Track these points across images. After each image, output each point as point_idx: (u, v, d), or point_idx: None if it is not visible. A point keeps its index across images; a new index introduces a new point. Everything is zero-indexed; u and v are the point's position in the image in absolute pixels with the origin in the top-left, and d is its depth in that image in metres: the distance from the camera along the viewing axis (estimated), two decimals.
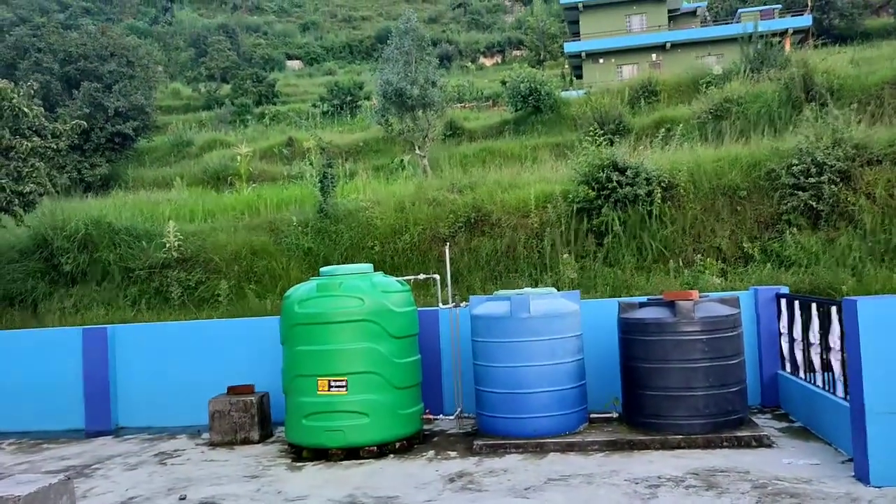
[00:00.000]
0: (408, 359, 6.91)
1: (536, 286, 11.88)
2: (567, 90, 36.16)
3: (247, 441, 7.48)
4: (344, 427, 6.58)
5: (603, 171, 12.49)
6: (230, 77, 49.93)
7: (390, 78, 22.13)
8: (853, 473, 5.19)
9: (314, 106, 41.89)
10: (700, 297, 6.50)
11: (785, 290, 7.61)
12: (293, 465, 6.56)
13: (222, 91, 49.07)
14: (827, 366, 6.27)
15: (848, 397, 5.41)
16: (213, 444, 7.50)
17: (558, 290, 7.21)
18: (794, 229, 11.08)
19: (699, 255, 11.53)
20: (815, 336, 6.45)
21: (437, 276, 7.82)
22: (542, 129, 26.86)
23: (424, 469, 6.15)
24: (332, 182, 15.28)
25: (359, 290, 6.75)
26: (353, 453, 6.63)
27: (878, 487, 4.88)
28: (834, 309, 6.03)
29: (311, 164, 22.13)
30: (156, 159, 29.85)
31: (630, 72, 44.93)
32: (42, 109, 12.94)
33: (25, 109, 11.40)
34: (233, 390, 7.78)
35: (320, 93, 45.58)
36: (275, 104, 45.85)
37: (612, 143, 14.71)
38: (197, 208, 17.27)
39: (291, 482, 6.06)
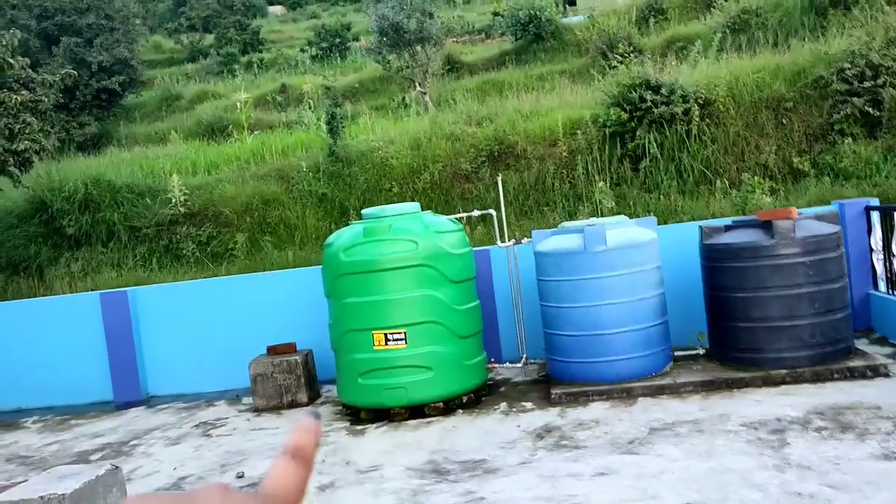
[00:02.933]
0: (468, 304, 6.25)
1: (572, 218, 11.19)
2: (566, 17, 34.84)
3: (295, 404, 6.87)
4: (406, 384, 5.95)
5: (635, 90, 11.63)
6: (212, 27, 48.33)
7: (385, 12, 21.09)
8: None
9: (302, 51, 40.59)
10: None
11: (875, 201, 6.92)
12: (354, 429, 5.95)
13: (206, 41, 47.53)
14: None
15: None
16: (257, 410, 6.89)
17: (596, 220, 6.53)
18: (849, 139, 10.33)
19: (746, 174, 10.80)
20: None
21: (493, 212, 7.11)
22: (546, 58, 25.80)
23: (503, 424, 5.55)
24: (340, 123, 14.41)
25: (410, 233, 6.04)
26: (417, 412, 6.02)
27: None
28: None
29: (310, 108, 21.15)
30: (146, 115, 28.81)
31: None
32: (28, 60, 11.98)
33: (11, 61, 10.48)
34: (274, 350, 7.14)
35: (307, 37, 44.21)
36: (261, 52, 44.46)
37: (618, 66, 13.82)
38: (198, 161, 16.41)
39: (357, 449, 5.46)
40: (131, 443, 6.34)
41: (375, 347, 5.98)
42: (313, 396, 7.04)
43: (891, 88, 10.07)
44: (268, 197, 13.93)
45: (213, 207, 13.91)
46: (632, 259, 5.86)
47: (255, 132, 19.49)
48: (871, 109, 10.18)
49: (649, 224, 6.20)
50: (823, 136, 10.82)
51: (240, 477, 5.16)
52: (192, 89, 31.86)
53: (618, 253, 5.82)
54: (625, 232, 5.95)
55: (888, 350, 6.15)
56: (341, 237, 6.30)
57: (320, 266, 6.62)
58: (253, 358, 7.11)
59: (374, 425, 5.97)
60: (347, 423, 6.12)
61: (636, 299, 5.88)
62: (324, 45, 40.01)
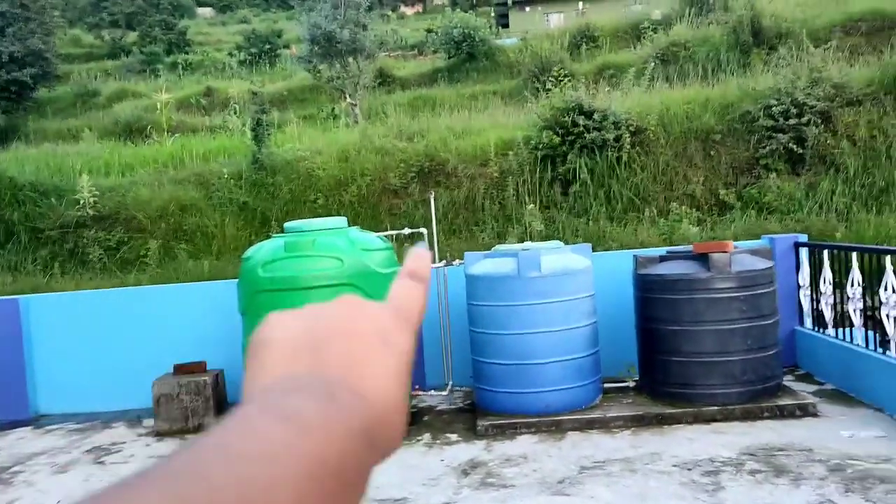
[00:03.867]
0: None
1: (502, 239, 11.02)
2: (499, 38, 35.10)
3: (201, 429, 6.33)
4: None
5: (567, 114, 11.58)
6: (136, 24, 46.76)
7: (318, 21, 20.69)
8: None
9: (231, 55, 39.63)
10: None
11: (803, 237, 6.95)
12: None
13: (128, 39, 45.92)
14: (866, 322, 5.63)
15: None
16: (159, 435, 6.35)
17: (520, 243, 6.32)
18: (774, 174, 10.50)
19: (673, 203, 10.86)
20: (854, 289, 5.78)
21: (424, 231, 6.80)
22: (479, 77, 25.83)
23: (426, 458, 5.22)
24: (266, 130, 13.90)
25: (336, 249, 5.67)
26: None
27: None
28: (889, 259, 5.35)
29: (235, 113, 20.48)
30: (59, 110, 27.40)
31: (557, 20, 44.20)
32: None
33: None
34: (181, 369, 6.62)
35: (236, 41, 43.25)
36: (187, 53, 43.21)
37: (552, 89, 13.83)
38: (112, 161, 15.57)
39: None
40: (12, 469, 5.71)
41: None
42: None
43: (814, 127, 10.30)
44: (185, 203, 13.27)
45: (126, 211, 13.16)
46: (566, 287, 5.65)
47: (176, 135, 18.70)
48: (794, 146, 10.38)
49: (584, 251, 6.01)
50: (749, 169, 10.99)
51: None
52: (110, 87, 30.59)
53: (552, 280, 5.60)
54: (560, 258, 5.74)
55: (813, 388, 6.13)
56: (261, 251, 5.88)
57: (236, 280, 6.18)
58: (157, 377, 6.58)
59: None
60: None
61: (569, 328, 5.66)
62: (253, 50, 39.23)
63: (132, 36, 45.81)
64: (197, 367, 6.63)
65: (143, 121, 21.83)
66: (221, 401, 6.56)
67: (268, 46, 39.05)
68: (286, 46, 39.33)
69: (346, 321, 0.46)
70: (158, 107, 20.19)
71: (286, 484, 0.34)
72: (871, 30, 16.78)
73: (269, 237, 6.43)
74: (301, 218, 11.53)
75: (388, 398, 0.44)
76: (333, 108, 22.69)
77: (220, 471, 0.33)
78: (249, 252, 6.01)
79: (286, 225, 6.16)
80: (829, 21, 17.83)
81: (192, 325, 7.22)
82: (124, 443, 6.24)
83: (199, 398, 6.37)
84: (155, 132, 19.28)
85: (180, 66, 37.36)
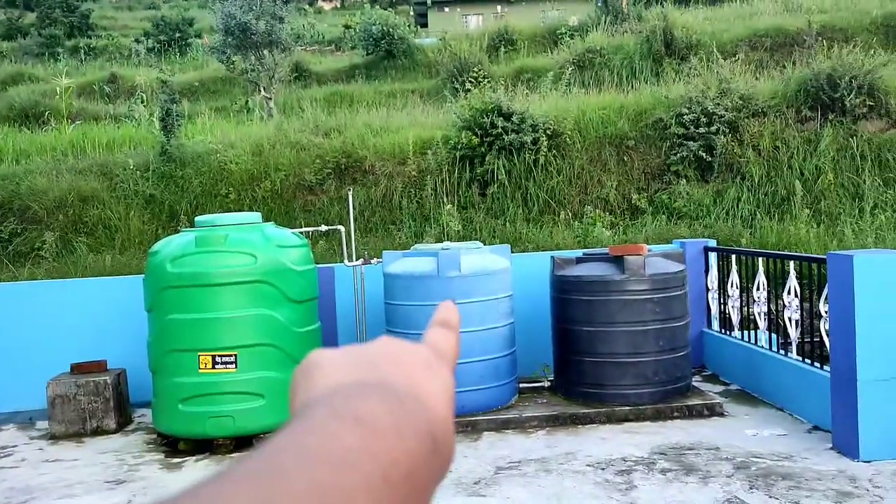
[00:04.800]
0: (309, 327, 5.76)
1: (419, 238, 10.96)
2: (418, 37, 35.05)
3: (100, 431, 6.03)
4: (233, 412, 5.35)
5: (486, 116, 11.63)
6: (35, 4, 44.41)
7: (233, 11, 20.12)
8: (831, 445, 4.75)
9: (138, 41, 38.13)
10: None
11: (712, 242, 7.18)
12: (169, 463, 5.27)
13: (26, 20, 43.61)
14: (773, 325, 5.85)
15: (826, 364, 4.94)
16: (54, 438, 5.99)
17: (439, 243, 6.31)
18: (684, 181, 10.84)
19: (588, 207, 11.06)
20: (759, 293, 5.99)
21: (342, 228, 6.66)
22: (397, 75, 25.71)
23: None
24: (176, 121, 13.38)
25: (249, 245, 5.48)
26: (244, 443, 5.44)
27: (869, 462, 4.44)
28: (792, 264, 5.57)
29: (142, 102, 19.69)
30: None
31: (476, 22, 44.54)
32: None
33: None
34: (79, 368, 6.25)
35: (144, 27, 41.70)
36: (90, 37, 41.33)
37: (471, 90, 13.91)
38: (6, 148, 14.69)
39: (172, 487, 4.78)
40: None
41: (201, 370, 5.34)
42: (124, 422, 6.23)
43: (722, 136, 10.69)
44: (86, 194, 12.62)
45: (20, 201, 12.42)
46: (485, 287, 5.64)
47: (77, 122, 17.81)
48: (704, 154, 10.74)
49: (503, 252, 6.01)
50: (661, 175, 11.30)
51: None
52: (6, 70, 28.91)
53: (472, 280, 5.58)
54: (479, 258, 5.73)
55: (720, 388, 6.33)
56: (169, 245, 5.61)
57: (142, 276, 5.89)
58: (53, 376, 6.20)
59: (195, 458, 5.32)
60: (162, 456, 5.42)
61: (487, 328, 5.65)
62: (162, 37, 37.90)
63: (31, 17, 43.54)
64: (96, 367, 6.28)
65: (41, 106, 20.72)
66: (122, 402, 6.23)
67: (178, 34, 37.79)
68: (198, 35, 38.17)
69: (390, 351, 0.48)
70: (58, 92, 19.18)
71: (363, 488, 0.35)
72: (775, 45, 17.59)
73: (177, 232, 6.16)
74: (212, 213, 11.15)
75: (445, 409, 0.46)
76: (247, 101, 22.13)
77: (300, 475, 0.34)
78: (157, 246, 5.74)
79: (197, 219, 5.92)
80: (736, 35, 18.58)
81: (91, 323, 6.85)
82: (15, 446, 5.85)
83: (99, 399, 6.04)
84: (54, 119, 18.32)
85: (82, 51, 35.71)
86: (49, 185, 12.62)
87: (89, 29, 43.49)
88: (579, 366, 5.78)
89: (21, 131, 17.73)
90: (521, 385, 6.14)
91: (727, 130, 10.73)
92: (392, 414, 0.39)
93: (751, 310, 6.17)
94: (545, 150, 11.48)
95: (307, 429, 0.37)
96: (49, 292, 7.20)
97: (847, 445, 4.57)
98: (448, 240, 10.46)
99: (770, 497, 4.08)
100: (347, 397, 0.40)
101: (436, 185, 11.67)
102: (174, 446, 5.51)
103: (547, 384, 6.24)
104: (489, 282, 5.67)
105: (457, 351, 0.53)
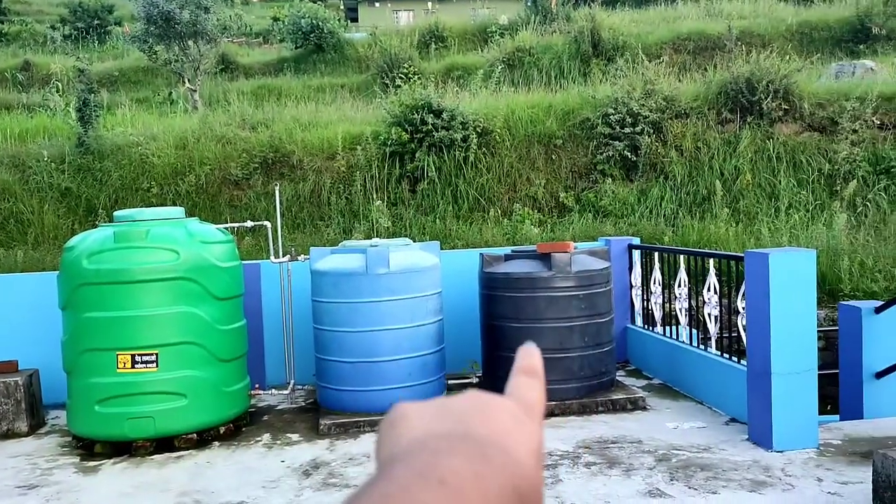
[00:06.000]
0: (234, 324, 5.63)
1: (347, 234, 10.87)
2: (348, 31, 34.73)
3: (11, 434, 5.77)
4: (153, 412, 5.19)
5: (417, 112, 11.61)
6: None
7: None
8: (747, 437, 4.92)
9: (53, 27, 36.59)
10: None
11: (636, 240, 7.34)
12: (85, 466, 5.07)
13: None
14: (694, 321, 6.02)
15: (744, 359, 5.11)
16: None
17: (368, 240, 6.28)
18: (610, 179, 11.07)
19: (517, 205, 11.17)
20: (680, 289, 6.16)
21: (269, 224, 6.52)
22: (326, 69, 25.40)
23: (265, 459, 5.01)
24: (94, 111, 12.90)
25: (172, 241, 5.32)
26: (165, 444, 5.28)
27: (781, 452, 4.62)
28: (712, 262, 5.74)
29: (58, 91, 18.92)
30: None
31: (406, 18, 44.40)
32: None
33: None
34: None
35: (60, 13, 40.02)
36: (2, 22, 39.44)
37: (402, 86, 13.88)
38: None
39: (88, 491, 4.62)
40: None
41: (119, 370, 5.16)
42: (36, 425, 5.97)
43: (647, 136, 10.95)
44: None
45: None
46: (414, 284, 5.62)
47: None
48: (629, 154, 10.99)
49: (432, 249, 6.01)
50: (587, 174, 11.51)
51: None
52: None
53: (400, 277, 5.55)
54: (409, 255, 5.70)
55: (643, 382, 6.48)
56: (86, 240, 5.40)
57: (56, 272, 5.65)
58: None
59: (112, 461, 5.13)
60: (78, 459, 5.22)
61: (415, 325, 5.64)
62: (79, 24, 36.48)
63: None
64: (7, 367, 6.00)
65: None
66: (35, 403, 5.97)
67: (97, 22, 36.43)
68: (118, 23, 36.86)
69: (476, 403, 0.47)
70: None
71: None
72: (697, 49, 18.12)
73: (95, 226, 5.93)
74: (132, 207, 10.81)
75: (532, 462, 0.44)
76: (171, 93, 21.53)
77: None
78: (73, 241, 5.51)
79: (116, 214, 5.71)
80: (661, 38, 19.07)
81: (1, 321, 6.53)
82: None
83: (10, 401, 5.77)
84: None
85: None
86: None
87: (1, 13, 41.51)
88: (507, 362, 5.75)
89: None
90: (450, 381, 6.16)
91: (651, 131, 11.02)
92: (477, 473, 0.39)
93: (672, 306, 6.34)
94: (475, 147, 11.55)
95: (390, 491, 0.37)
96: None
97: (762, 436, 4.75)
98: (377, 236, 10.41)
99: (689, 488, 4.20)
100: (433, 454, 0.40)
101: (365, 181, 11.60)
102: (90, 449, 5.31)
103: (475, 380, 6.28)
104: (418, 279, 5.66)
105: (543, 399, 0.52)
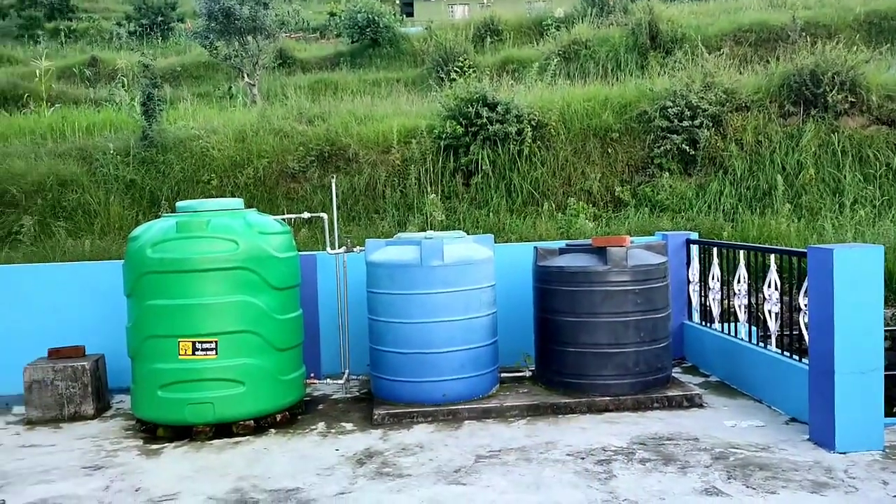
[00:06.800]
0: (290, 314, 5.73)
1: (402, 227, 10.94)
2: (404, 26, 34.87)
3: (78, 416, 5.98)
4: (213, 398, 5.32)
5: (471, 105, 11.61)
6: None
7: None
8: (808, 437, 4.80)
9: (119, 24, 37.66)
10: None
11: (694, 235, 7.22)
12: (148, 449, 5.23)
13: (5, 1, 42.94)
14: (753, 318, 5.89)
15: (805, 357, 4.98)
16: (30, 423, 5.93)
17: (422, 232, 6.30)
18: (667, 174, 10.89)
19: (572, 199, 11.08)
20: (740, 285, 6.03)
21: (325, 216, 6.62)
22: (382, 64, 25.56)
23: (320, 447, 5.09)
24: (157, 105, 13.23)
25: (231, 231, 5.43)
26: (223, 430, 5.41)
27: (844, 453, 4.49)
28: (773, 257, 5.61)
29: (123, 86, 19.46)
30: None
31: (462, 12, 44.40)
32: None
33: None
34: (56, 353, 6.19)
35: (126, 11, 41.17)
36: (71, 20, 40.78)
37: (457, 80, 13.86)
38: None
39: (151, 473, 4.76)
40: None
41: (181, 357, 5.30)
42: (102, 408, 6.18)
43: (705, 129, 10.73)
44: (65, 178, 12.49)
45: None
46: (468, 276, 5.64)
47: (57, 105, 17.58)
48: (687, 147, 10.79)
49: (486, 241, 6.01)
50: (644, 168, 11.34)
51: None
52: None
53: (454, 269, 5.57)
54: (463, 248, 5.72)
55: (699, 379, 6.37)
56: (150, 230, 5.56)
57: (122, 261, 5.82)
58: (30, 361, 6.13)
59: (173, 444, 5.28)
60: (141, 442, 5.38)
61: (469, 318, 5.65)
62: (144, 21, 37.45)
63: None
64: (74, 352, 6.22)
65: (20, 89, 20.43)
66: (100, 388, 6.18)
67: (160, 18, 37.34)
68: (181, 20, 37.74)
69: None
70: (38, 75, 18.90)
71: None
72: (759, 40, 17.67)
73: (158, 217, 6.10)
74: (193, 198, 11.07)
75: None
76: (230, 88, 21.94)
77: None
78: (137, 231, 5.68)
79: (178, 205, 5.85)
80: (721, 30, 18.66)
81: (69, 308, 6.77)
82: None
83: (77, 384, 5.98)
84: (33, 101, 18.07)
85: (63, 34, 35.23)
86: (28, 168, 12.46)
87: (70, 11, 42.89)
88: (560, 356, 5.80)
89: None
90: (503, 374, 6.16)
91: (710, 124, 10.80)
92: None
93: (731, 302, 6.21)
94: (529, 140, 11.48)
95: None
96: (27, 276, 7.11)
97: (823, 437, 4.62)
98: (431, 229, 10.46)
99: (747, 487, 4.12)
100: None
101: (419, 175, 11.64)
102: (153, 433, 5.47)
103: (528, 374, 6.26)
104: (472, 271, 5.67)
105: None
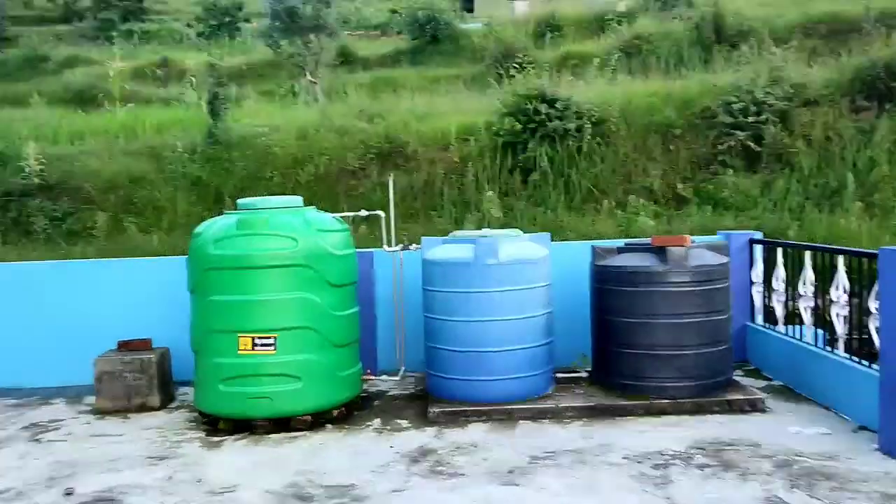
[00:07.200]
0: (347, 311, 5.80)
1: (459, 225, 10.93)
2: (463, 22, 34.81)
3: (145, 407, 6.18)
4: (271, 393, 5.43)
5: (530, 102, 11.52)
6: None
7: None
8: (877, 447, 4.63)
9: (189, 25, 38.67)
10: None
11: (758, 234, 7.02)
12: (209, 441, 5.37)
13: (82, 3, 44.53)
14: (820, 321, 5.70)
15: (875, 362, 4.80)
16: (100, 413, 6.16)
17: (479, 230, 6.28)
18: (731, 171, 10.62)
19: (632, 196, 10.91)
20: (806, 287, 5.84)
21: (382, 213, 6.68)
22: (442, 60, 25.58)
23: (376, 444, 5.14)
24: (223, 104, 13.54)
25: (290, 228, 5.53)
26: (281, 424, 5.51)
27: None
28: (842, 259, 5.42)
29: (192, 86, 19.97)
30: (5, 74, 26.34)
31: (522, 7, 44.09)
32: None
33: None
34: (125, 345, 6.42)
35: (195, 12, 42.23)
36: (144, 21, 42.05)
37: (516, 76, 13.77)
38: (61, 129, 15.01)
39: (211, 465, 4.89)
40: None
41: (240, 351, 5.42)
42: (167, 400, 6.37)
43: (772, 126, 10.43)
44: (136, 175, 12.89)
45: (73, 181, 12.74)
46: (523, 275, 5.61)
47: (129, 105, 18.15)
48: (752, 144, 10.50)
49: (543, 240, 5.97)
50: (707, 165, 11.08)
51: (68, 494, 4.48)
52: (62, 52, 29.52)
53: (509, 268, 5.55)
54: (518, 246, 5.69)
55: (762, 383, 6.21)
56: (212, 227, 5.70)
57: (186, 256, 5.99)
58: (100, 353, 6.36)
59: (234, 437, 5.41)
60: (203, 434, 5.53)
61: (524, 317, 5.63)
62: (212, 22, 38.29)
63: (86, 0, 44.41)
64: (141, 345, 6.43)
65: (95, 89, 21.15)
66: (166, 380, 6.38)
67: (228, 19, 38.17)
68: (247, 20, 38.52)
69: None
70: (111, 75, 19.53)
71: None
72: (830, 32, 17.03)
73: (222, 214, 6.24)
74: (256, 195, 11.28)
75: None
76: (293, 86, 22.27)
77: None
78: (200, 228, 5.83)
79: (239, 202, 5.99)
80: (790, 22, 18.06)
81: (137, 301, 7.01)
82: (63, 420, 6.03)
83: (144, 376, 6.18)
84: (107, 101, 18.70)
85: (136, 35, 36.35)
86: (101, 165, 12.92)
87: (143, 13, 44.19)
88: (618, 357, 5.72)
89: (76, 113, 18.16)
90: (558, 375, 6.11)
91: (777, 120, 10.48)
92: None
93: (796, 304, 6.02)
94: (589, 137, 11.33)
95: None
96: (99, 270, 7.39)
97: (894, 446, 4.44)
98: (489, 227, 10.42)
99: (812, 497, 4.00)
100: None
101: (477, 172, 11.61)
102: (214, 425, 5.61)
103: (584, 375, 6.20)
104: (528, 270, 5.64)
105: None
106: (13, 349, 7.06)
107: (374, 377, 6.33)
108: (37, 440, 5.54)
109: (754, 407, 5.44)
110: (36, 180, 12.17)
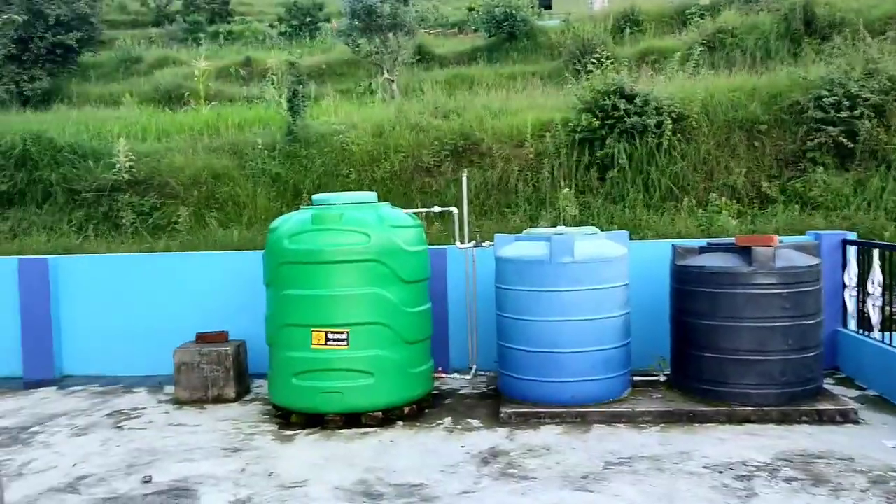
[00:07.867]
0: (420, 307, 5.76)
1: (534, 222, 10.79)
2: (541, 19, 34.50)
3: (221, 399, 6.30)
4: (343, 388, 5.44)
5: (608, 97, 11.26)
6: None
7: None
8: None
9: (271, 26, 39.63)
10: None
11: (852, 235, 6.65)
12: (282, 434, 5.42)
13: (173, 7, 46.19)
14: None
15: None
16: (179, 402, 6.30)
17: (553, 227, 6.10)
18: (821, 168, 10.13)
19: (713, 194, 10.53)
20: None
21: (455, 210, 6.62)
22: (518, 57, 25.41)
23: (446, 443, 5.08)
24: (302, 102, 13.77)
25: (363, 224, 5.52)
26: (353, 420, 5.52)
27: None
28: None
29: (273, 84, 20.42)
30: (102, 75, 27.54)
31: (601, 3, 43.38)
32: None
33: None
34: (203, 338, 6.56)
35: (278, 13, 43.26)
36: (229, 23, 43.32)
37: (594, 72, 13.48)
38: (149, 127, 15.57)
39: (283, 459, 4.93)
40: (32, 429, 5.70)
41: (314, 346, 5.45)
42: (242, 392, 6.48)
43: (866, 121, 9.89)
44: (218, 171, 13.24)
45: (160, 177, 13.19)
46: (599, 274, 5.45)
47: (213, 103, 18.68)
48: (845, 140, 9.99)
49: (621, 238, 5.78)
50: (795, 162, 10.60)
51: (146, 482, 4.58)
52: (153, 54, 30.70)
53: (585, 266, 5.40)
54: (595, 244, 5.53)
55: (855, 393, 5.86)
56: (288, 222, 5.75)
57: (263, 251, 6.07)
58: (180, 344, 6.52)
59: (306, 432, 5.44)
60: (276, 427, 5.59)
61: (600, 318, 5.47)
62: (294, 22, 39.12)
63: (176, 4, 46.00)
64: (218, 337, 6.56)
65: (182, 88, 21.89)
66: (241, 372, 6.48)
67: (308, 19, 38.92)
68: (327, 20, 39.18)
69: None
70: (197, 75, 20.17)
71: None
72: None
73: (299, 209, 6.30)
74: (333, 191, 11.42)
75: None
76: (371, 84, 22.52)
77: None
78: (276, 223, 5.90)
79: (314, 197, 6.03)
80: (886, 12, 17.16)
81: (216, 294, 7.17)
82: (144, 409, 6.20)
83: (220, 368, 6.30)
84: (193, 100, 19.31)
85: (221, 36, 37.45)
86: (186, 162, 13.32)
87: (229, 15, 45.50)
88: (698, 361, 5.50)
89: (164, 111, 18.81)
90: (635, 378, 5.92)
91: (872, 115, 9.93)
92: None
93: (893, 310, 5.66)
94: (669, 133, 11.01)
95: None
96: (180, 264, 7.59)
97: None
98: (564, 224, 10.24)
99: None
100: None
101: (553, 169, 11.44)
102: (287, 419, 5.66)
103: (662, 378, 5.99)
104: (604, 269, 5.47)
105: None
106: (100, 338, 7.32)
107: (445, 375, 6.28)
108: (119, 427, 5.71)
109: (846, 418, 5.14)
110: (125, 176, 12.65)
